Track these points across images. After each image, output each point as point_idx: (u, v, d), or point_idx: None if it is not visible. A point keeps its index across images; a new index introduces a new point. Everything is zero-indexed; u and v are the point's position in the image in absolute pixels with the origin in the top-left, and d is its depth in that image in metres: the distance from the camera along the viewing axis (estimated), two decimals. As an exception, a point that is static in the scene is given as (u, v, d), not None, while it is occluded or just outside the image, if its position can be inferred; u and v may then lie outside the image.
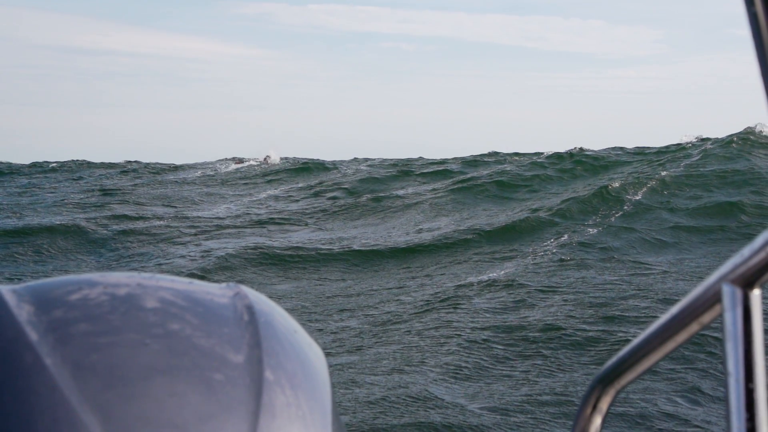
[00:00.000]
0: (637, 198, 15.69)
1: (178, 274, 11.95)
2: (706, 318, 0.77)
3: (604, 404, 0.99)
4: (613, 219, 14.56)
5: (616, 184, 16.38)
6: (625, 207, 15.16)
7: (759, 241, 0.68)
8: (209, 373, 0.64)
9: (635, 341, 0.88)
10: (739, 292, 0.69)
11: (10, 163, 30.33)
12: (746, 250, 0.69)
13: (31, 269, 12.64)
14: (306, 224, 17.40)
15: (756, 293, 0.70)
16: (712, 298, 0.74)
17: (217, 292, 0.74)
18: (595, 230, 14.02)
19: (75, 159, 31.62)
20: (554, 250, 12.88)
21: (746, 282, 0.69)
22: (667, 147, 22.30)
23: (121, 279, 0.72)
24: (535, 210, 15.40)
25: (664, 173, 17.23)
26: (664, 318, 0.82)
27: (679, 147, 21.77)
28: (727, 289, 0.70)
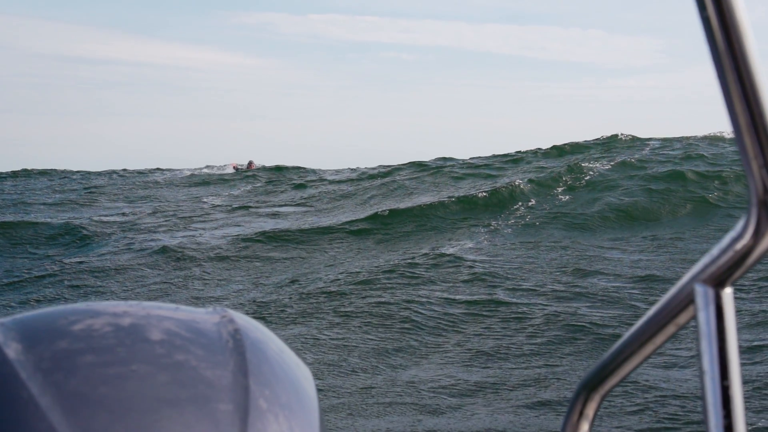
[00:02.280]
0: (604, 169, 16.40)
1: (165, 254, 12.34)
2: (682, 319, 0.77)
3: (591, 410, 0.98)
4: (579, 186, 15.27)
5: (583, 162, 17.10)
6: (589, 178, 15.83)
7: (726, 240, 0.68)
8: (196, 399, 0.65)
9: (615, 346, 0.88)
10: (711, 292, 0.70)
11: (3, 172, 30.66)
12: (715, 250, 0.69)
13: (20, 264, 12.83)
14: (290, 206, 17.92)
15: (728, 291, 0.70)
16: (686, 298, 0.74)
17: (203, 317, 0.75)
18: (564, 197, 14.70)
19: (67, 168, 31.91)
20: (524, 220, 13.50)
21: (717, 281, 0.70)
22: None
23: (108, 308, 0.72)
24: (507, 183, 16.06)
25: (633, 157, 18.00)
26: (641, 321, 0.83)
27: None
28: (699, 289, 0.71)
